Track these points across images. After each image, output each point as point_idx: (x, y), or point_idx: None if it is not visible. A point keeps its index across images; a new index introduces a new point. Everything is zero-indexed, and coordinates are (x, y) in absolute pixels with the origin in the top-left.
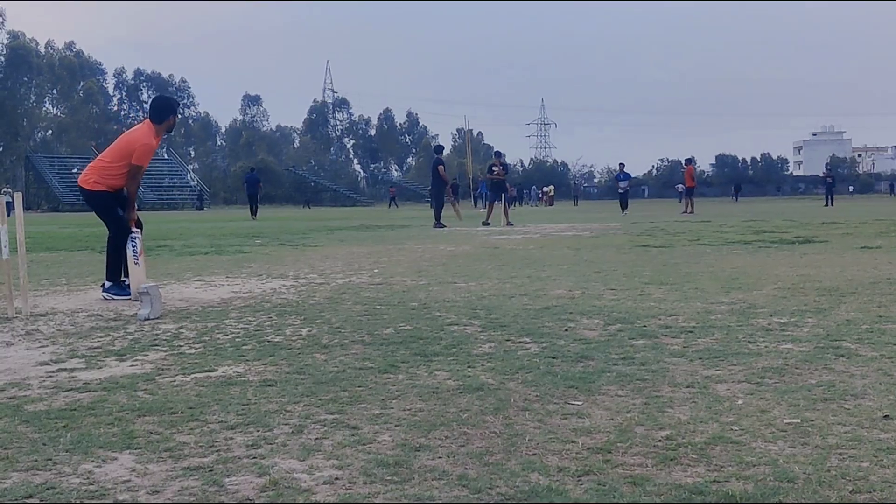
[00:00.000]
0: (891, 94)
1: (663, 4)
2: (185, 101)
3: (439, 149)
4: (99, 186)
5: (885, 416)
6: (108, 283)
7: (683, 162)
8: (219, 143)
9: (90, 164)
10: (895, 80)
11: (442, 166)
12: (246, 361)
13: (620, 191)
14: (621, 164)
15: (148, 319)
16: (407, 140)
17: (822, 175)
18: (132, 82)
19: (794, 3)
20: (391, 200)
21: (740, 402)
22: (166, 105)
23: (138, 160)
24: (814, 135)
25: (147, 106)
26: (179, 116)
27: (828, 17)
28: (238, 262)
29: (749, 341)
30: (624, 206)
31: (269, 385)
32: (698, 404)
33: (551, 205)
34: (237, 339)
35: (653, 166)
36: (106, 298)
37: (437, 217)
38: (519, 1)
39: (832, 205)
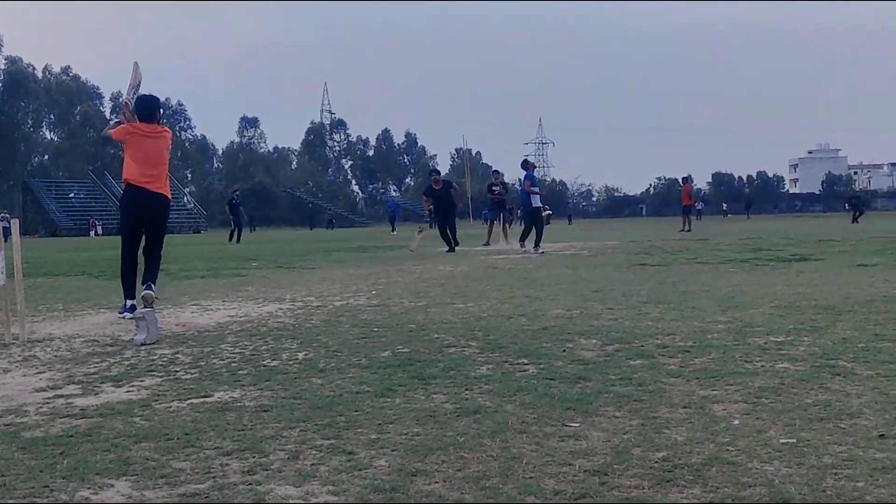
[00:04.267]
0: (884, 112)
1: (659, 23)
2: (182, 124)
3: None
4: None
5: (881, 435)
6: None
7: (680, 180)
8: (216, 165)
9: (157, 172)
10: (889, 97)
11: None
12: (242, 386)
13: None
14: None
15: (144, 345)
16: (405, 160)
17: (847, 195)
18: None
19: (787, 21)
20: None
21: (737, 422)
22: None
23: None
24: (809, 153)
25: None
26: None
27: (821, 34)
28: (235, 286)
29: (746, 360)
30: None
31: (265, 410)
32: (695, 425)
33: (548, 223)
34: (233, 364)
35: (650, 185)
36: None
37: (453, 240)
38: (515, 20)
39: (858, 222)
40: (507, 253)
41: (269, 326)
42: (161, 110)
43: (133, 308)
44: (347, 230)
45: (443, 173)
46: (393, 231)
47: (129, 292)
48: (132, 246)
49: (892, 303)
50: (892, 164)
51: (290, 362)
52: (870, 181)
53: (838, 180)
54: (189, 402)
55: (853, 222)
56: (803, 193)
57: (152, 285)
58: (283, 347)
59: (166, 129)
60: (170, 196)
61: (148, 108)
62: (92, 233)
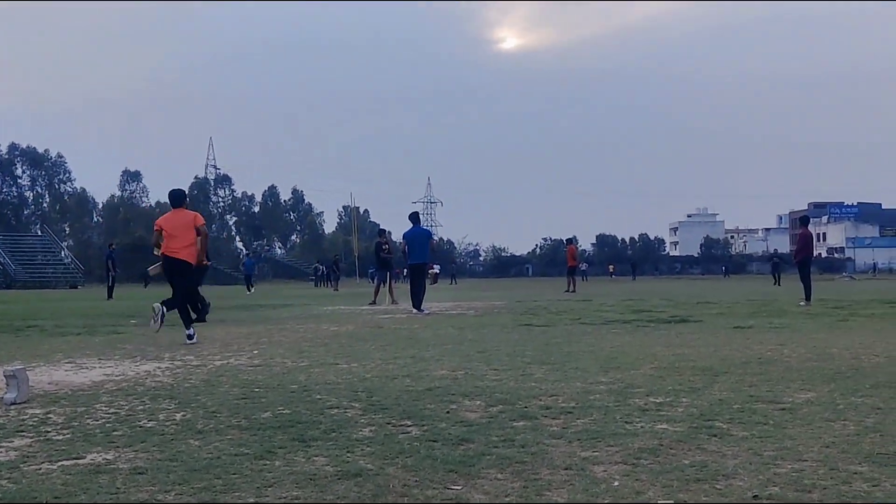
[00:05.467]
0: (759, 178)
1: (545, 84)
2: (61, 176)
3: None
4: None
5: (755, 496)
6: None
7: (565, 241)
8: (96, 219)
9: (183, 243)
10: (763, 164)
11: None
12: (116, 448)
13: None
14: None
15: (14, 404)
16: (292, 217)
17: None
18: (6, 157)
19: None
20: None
21: (616, 483)
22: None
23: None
24: (689, 216)
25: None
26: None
27: (698, 102)
28: (112, 343)
29: (626, 422)
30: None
31: (140, 473)
32: (575, 486)
33: (434, 282)
34: (108, 425)
35: (536, 245)
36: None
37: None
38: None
39: (780, 284)
40: (393, 312)
41: (147, 386)
42: (186, 199)
43: (192, 336)
44: (229, 287)
45: (329, 231)
46: (249, 290)
47: (185, 322)
48: (175, 285)
49: (766, 364)
50: (767, 229)
51: (167, 423)
52: (745, 245)
53: (716, 244)
54: (60, 464)
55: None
56: (683, 256)
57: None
58: (160, 408)
59: (194, 213)
60: (194, 260)
61: (176, 199)
62: None
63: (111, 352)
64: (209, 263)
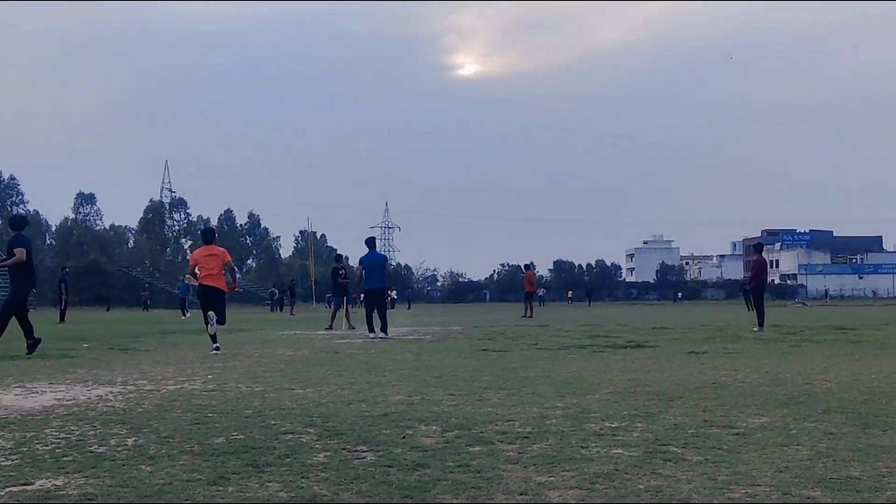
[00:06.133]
0: (713, 207)
1: (504, 109)
2: (14, 198)
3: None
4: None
5: None
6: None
7: (523, 267)
8: (48, 242)
9: (214, 273)
10: (717, 191)
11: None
12: (66, 474)
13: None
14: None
15: None
16: (248, 241)
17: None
18: None
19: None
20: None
21: None
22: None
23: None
24: (645, 243)
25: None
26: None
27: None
28: (63, 367)
29: (582, 446)
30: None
31: (90, 499)
32: None
33: (392, 307)
34: (58, 450)
35: (494, 271)
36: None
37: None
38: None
39: (752, 310)
40: (350, 337)
41: (98, 410)
42: (216, 236)
43: (218, 348)
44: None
45: (286, 255)
46: (184, 316)
47: (212, 338)
48: (207, 312)
49: (720, 389)
50: (721, 256)
51: (119, 448)
52: (700, 271)
53: (671, 270)
54: (8, 490)
55: (749, 311)
56: (639, 282)
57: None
58: (111, 433)
59: (222, 248)
60: (224, 288)
61: (207, 236)
62: None
63: (62, 376)
64: (239, 290)
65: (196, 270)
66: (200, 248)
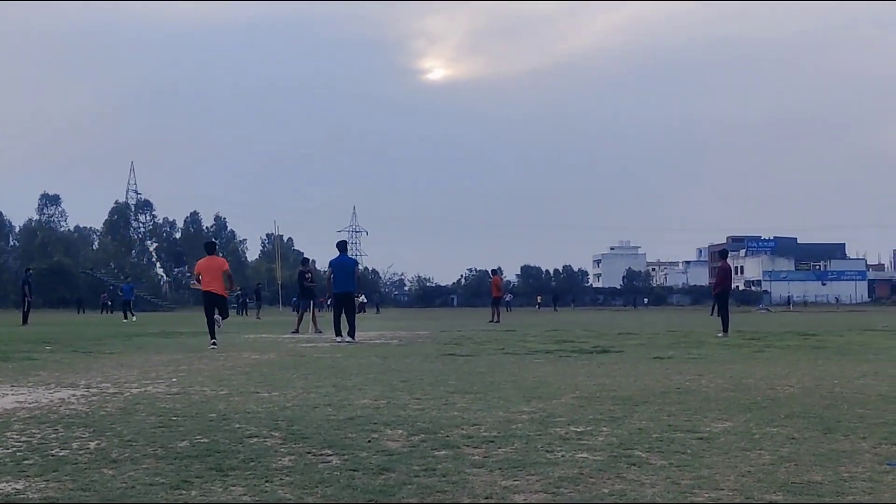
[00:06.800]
0: (680, 214)
1: (472, 114)
2: None
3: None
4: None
5: None
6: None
7: (490, 272)
8: (12, 243)
9: (216, 281)
10: (684, 200)
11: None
12: (27, 477)
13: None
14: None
15: None
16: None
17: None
18: None
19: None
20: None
21: None
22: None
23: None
24: (611, 249)
25: None
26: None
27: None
28: (25, 370)
29: (547, 451)
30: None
31: (51, 503)
32: None
33: (364, 311)
34: (18, 454)
35: (461, 276)
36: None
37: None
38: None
39: (716, 315)
40: (316, 341)
41: (61, 414)
42: (217, 248)
43: (215, 344)
44: (149, 314)
45: (252, 259)
46: (126, 318)
47: (211, 334)
48: (210, 314)
49: (685, 394)
50: (687, 262)
51: (81, 452)
52: (666, 277)
53: (638, 276)
54: None
55: (712, 315)
56: (606, 288)
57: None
58: (73, 436)
59: (222, 259)
60: (224, 293)
61: (209, 248)
62: None
63: (24, 378)
64: (239, 290)
65: (199, 278)
66: (204, 259)
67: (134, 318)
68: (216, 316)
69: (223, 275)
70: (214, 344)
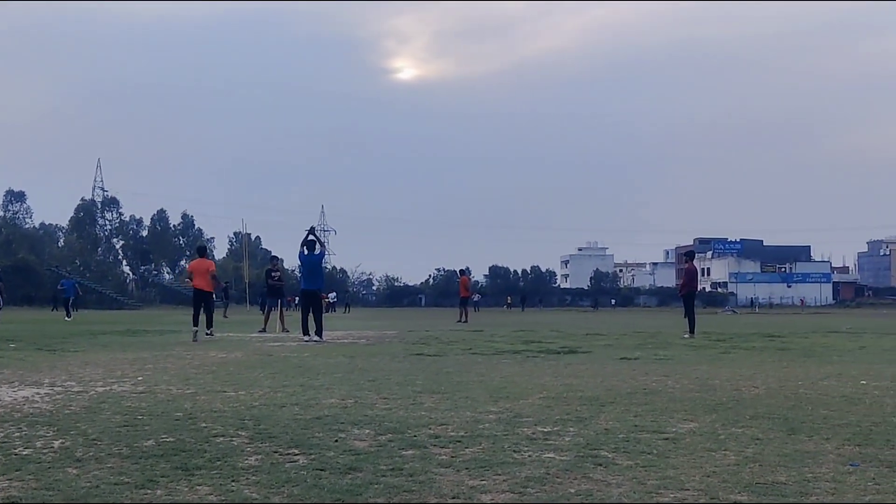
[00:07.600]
0: (647, 215)
1: (441, 114)
2: None
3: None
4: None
5: None
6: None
7: (458, 272)
8: None
9: (204, 280)
10: (651, 201)
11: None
12: None
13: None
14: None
15: None
16: (181, 242)
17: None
18: None
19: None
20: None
21: None
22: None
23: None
24: (579, 250)
25: None
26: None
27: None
28: None
29: (514, 451)
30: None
31: (14, 502)
32: None
33: (333, 311)
34: None
35: (430, 276)
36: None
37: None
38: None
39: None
40: (283, 340)
41: (24, 412)
42: (207, 251)
43: (196, 334)
44: (115, 313)
45: (220, 257)
46: (68, 317)
47: (195, 324)
48: (197, 307)
49: (651, 395)
50: (654, 264)
51: (45, 451)
52: (633, 279)
53: (605, 277)
54: None
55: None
56: (573, 288)
57: (208, 329)
58: (37, 435)
59: (210, 261)
60: (211, 290)
61: (200, 251)
62: None
63: None
64: (225, 284)
65: (191, 276)
66: (195, 261)
67: (68, 318)
68: (207, 331)
69: (209, 274)
70: (210, 334)
